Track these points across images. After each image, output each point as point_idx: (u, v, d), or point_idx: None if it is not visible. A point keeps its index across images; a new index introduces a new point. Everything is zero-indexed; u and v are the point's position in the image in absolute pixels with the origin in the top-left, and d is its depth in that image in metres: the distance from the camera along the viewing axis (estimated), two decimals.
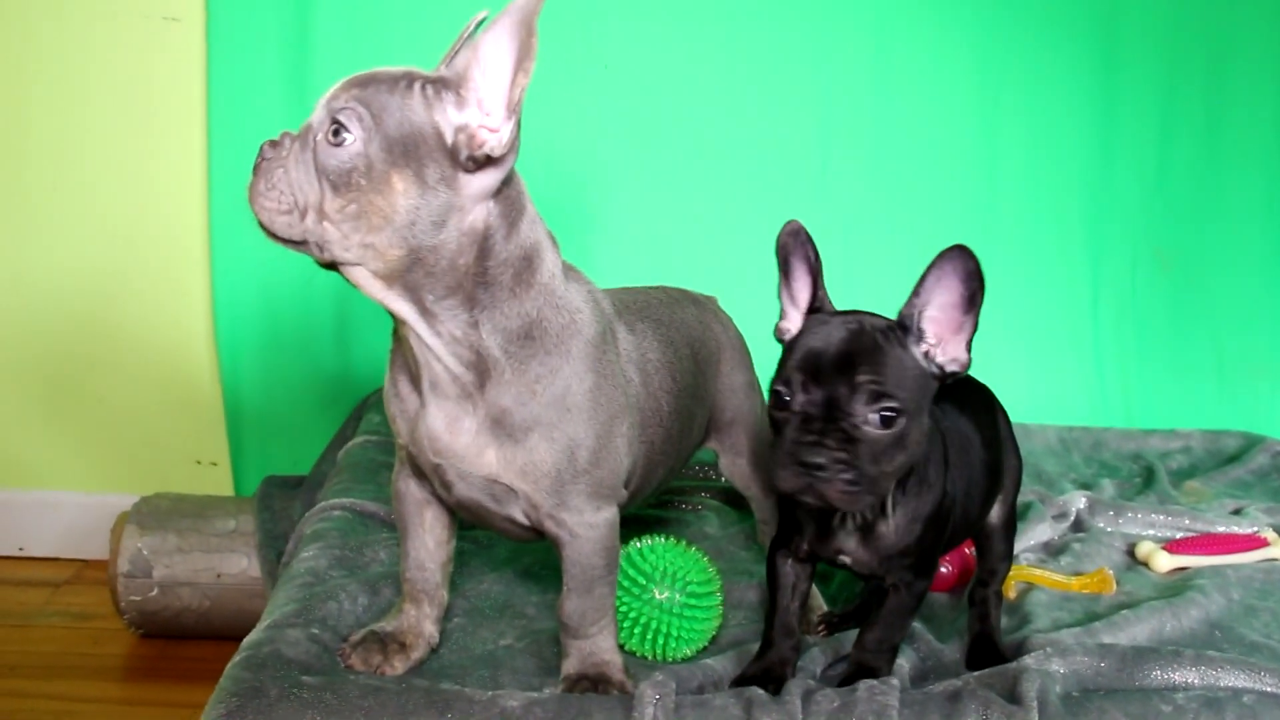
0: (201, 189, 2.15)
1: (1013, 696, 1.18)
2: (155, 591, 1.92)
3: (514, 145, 0.98)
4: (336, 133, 0.94)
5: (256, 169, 0.97)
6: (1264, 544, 1.72)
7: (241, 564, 1.93)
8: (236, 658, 1.19)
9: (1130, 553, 1.73)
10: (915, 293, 1.11)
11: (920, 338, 1.10)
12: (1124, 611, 1.46)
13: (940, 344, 1.11)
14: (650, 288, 1.47)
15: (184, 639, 1.98)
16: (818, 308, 1.15)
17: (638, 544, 1.35)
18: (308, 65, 2.10)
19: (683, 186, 2.22)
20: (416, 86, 0.97)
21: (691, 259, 2.18)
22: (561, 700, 1.12)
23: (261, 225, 0.96)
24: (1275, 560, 1.71)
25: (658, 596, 1.30)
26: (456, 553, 1.31)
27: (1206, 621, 1.47)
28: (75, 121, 2.15)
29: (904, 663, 1.29)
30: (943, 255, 1.09)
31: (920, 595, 1.24)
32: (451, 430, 1.12)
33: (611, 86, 2.17)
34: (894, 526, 1.18)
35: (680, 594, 1.30)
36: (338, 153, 0.93)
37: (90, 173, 2.16)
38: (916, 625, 1.43)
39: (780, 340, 1.17)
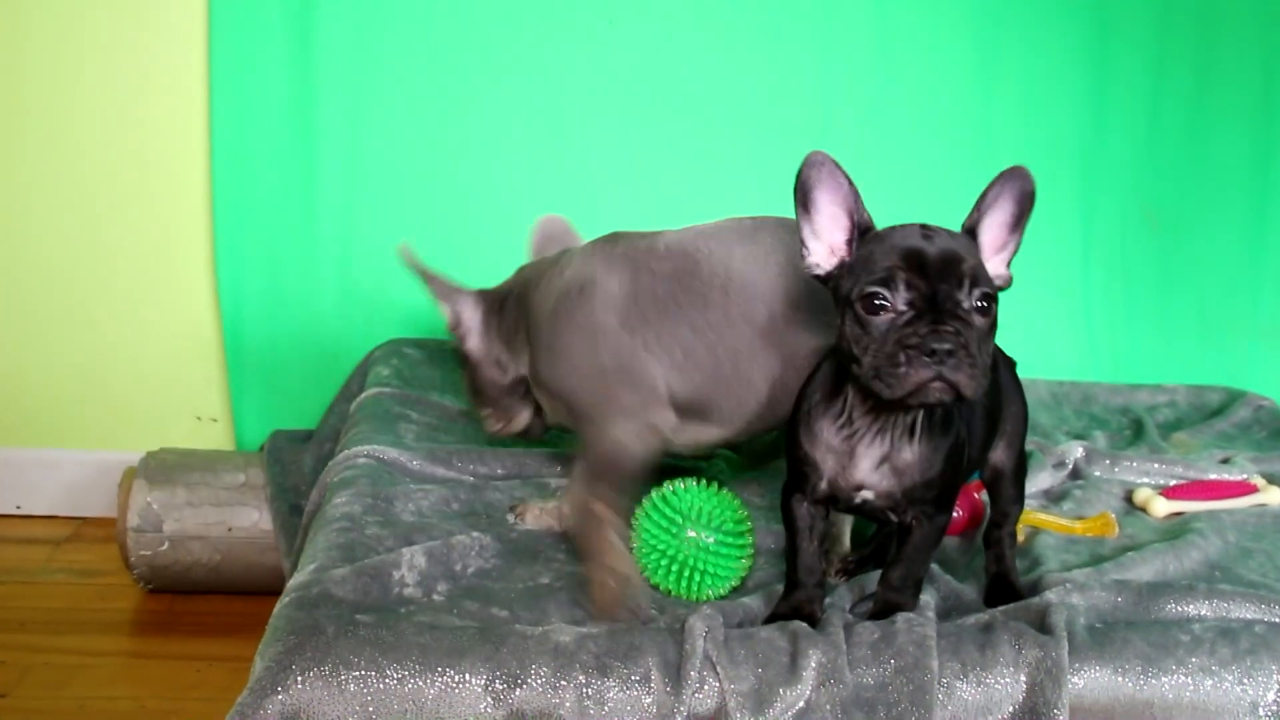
0: (203, 143, 2.14)
1: (1042, 628, 1.23)
2: (165, 546, 1.92)
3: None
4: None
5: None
6: (1254, 489, 1.79)
7: (252, 517, 1.93)
8: (285, 599, 1.21)
9: (1128, 499, 1.79)
10: (976, 207, 1.16)
11: (979, 248, 1.15)
12: (1129, 553, 1.52)
13: (986, 260, 1.15)
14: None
15: (193, 594, 1.98)
16: (867, 228, 1.18)
17: (670, 485, 1.38)
18: (310, 15, 2.09)
19: (681, 151, 2.24)
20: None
21: (691, 215, 2.19)
22: (612, 633, 1.16)
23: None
24: (1265, 505, 1.78)
25: (691, 535, 1.33)
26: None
27: (1206, 563, 1.53)
28: (73, 73, 2.12)
29: (930, 599, 1.33)
30: (1004, 174, 1.14)
31: (942, 529, 1.27)
32: None
33: (615, 43, 2.19)
34: (919, 455, 1.19)
35: (715, 533, 1.34)
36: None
37: (90, 126, 2.14)
38: (934, 567, 1.47)
39: (816, 276, 1.19)
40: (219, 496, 1.95)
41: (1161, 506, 1.73)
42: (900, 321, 1.08)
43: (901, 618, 1.22)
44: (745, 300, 1.41)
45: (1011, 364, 1.49)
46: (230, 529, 1.93)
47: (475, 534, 1.42)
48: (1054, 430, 2.07)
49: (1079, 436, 2.03)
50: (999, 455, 1.42)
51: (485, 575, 1.36)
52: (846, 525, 1.52)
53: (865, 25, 2.22)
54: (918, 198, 2.21)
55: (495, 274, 2.23)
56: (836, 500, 1.25)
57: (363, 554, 1.32)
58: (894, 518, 1.26)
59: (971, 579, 1.47)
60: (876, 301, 1.10)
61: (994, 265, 1.16)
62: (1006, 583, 1.42)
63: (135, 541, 1.92)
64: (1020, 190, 1.14)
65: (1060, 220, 2.28)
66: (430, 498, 1.52)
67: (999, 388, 1.41)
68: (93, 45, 2.12)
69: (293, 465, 1.97)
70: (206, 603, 1.97)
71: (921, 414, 1.18)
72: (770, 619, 1.28)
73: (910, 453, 1.20)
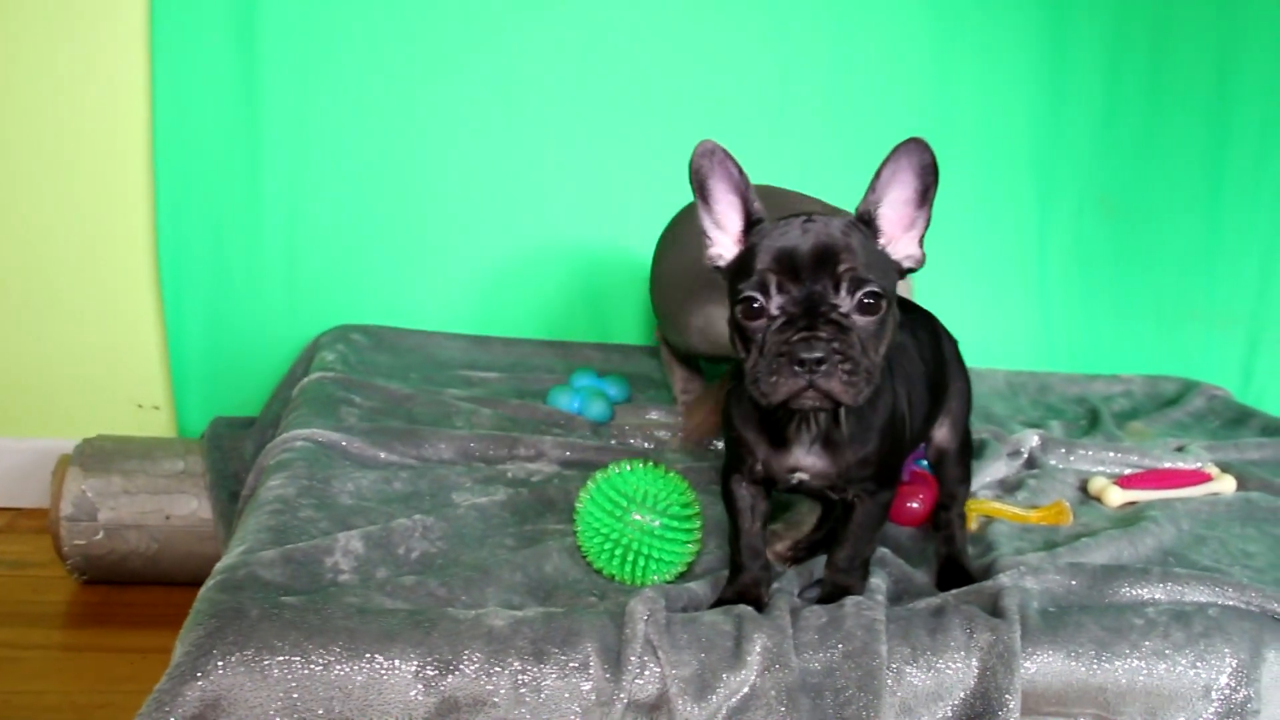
0: (144, 125, 2.07)
1: (994, 611, 1.20)
2: (100, 535, 1.86)
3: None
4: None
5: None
6: (1208, 479, 1.78)
7: (191, 505, 1.87)
8: (210, 581, 1.16)
9: (1083, 488, 1.78)
10: (871, 188, 1.10)
11: (877, 233, 1.10)
12: (1084, 539, 1.50)
13: (893, 241, 1.11)
14: None
15: (129, 584, 1.92)
16: (757, 220, 1.12)
17: (616, 468, 1.34)
18: None
19: (640, 120, 2.20)
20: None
21: (648, 190, 2.16)
22: (548, 618, 1.11)
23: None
24: (1219, 493, 1.76)
25: (637, 518, 1.29)
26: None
27: (1161, 550, 1.51)
28: (10, 54, 2.05)
29: (881, 583, 1.30)
30: (898, 149, 1.07)
31: (885, 505, 1.23)
32: None
33: (565, 23, 2.15)
34: (851, 432, 1.15)
35: (660, 516, 1.30)
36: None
37: (27, 108, 2.06)
38: (886, 551, 1.44)
39: (717, 267, 1.14)
40: (157, 484, 1.88)
41: (1116, 495, 1.71)
42: (774, 327, 1.04)
43: (850, 601, 1.18)
44: None
45: (953, 342, 1.47)
46: (168, 517, 1.87)
47: (418, 516, 1.37)
48: (1009, 420, 2.05)
49: (1035, 426, 2.01)
50: (943, 434, 1.40)
51: (430, 559, 1.31)
52: (811, 510, 1.49)
53: (823, 9, 2.20)
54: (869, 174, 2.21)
55: (442, 258, 2.19)
56: (775, 481, 1.22)
57: (295, 537, 1.27)
58: (834, 496, 1.23)
59: (924, 565, 1.44)
60: (753, 305, 1.05)
61: (904, 245, 1.11)
62: (958, 565, 1.40)
63: (69, 531, 1.85)
64: (919, 163, 1.08)
65: (1017, 205, 2.26)
66: (368, 478, 1.47)
67: (943, 361, 1.38)
68: (30, 26, 2.05)
69: (233, 452, 1.91)
70: (143, 593, 1.91)
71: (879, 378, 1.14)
72: (716, 604, 1.25)
73: (840, 432, 1.16)
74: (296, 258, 2.14)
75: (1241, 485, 1.76)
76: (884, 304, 1.04)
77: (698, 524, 1.34)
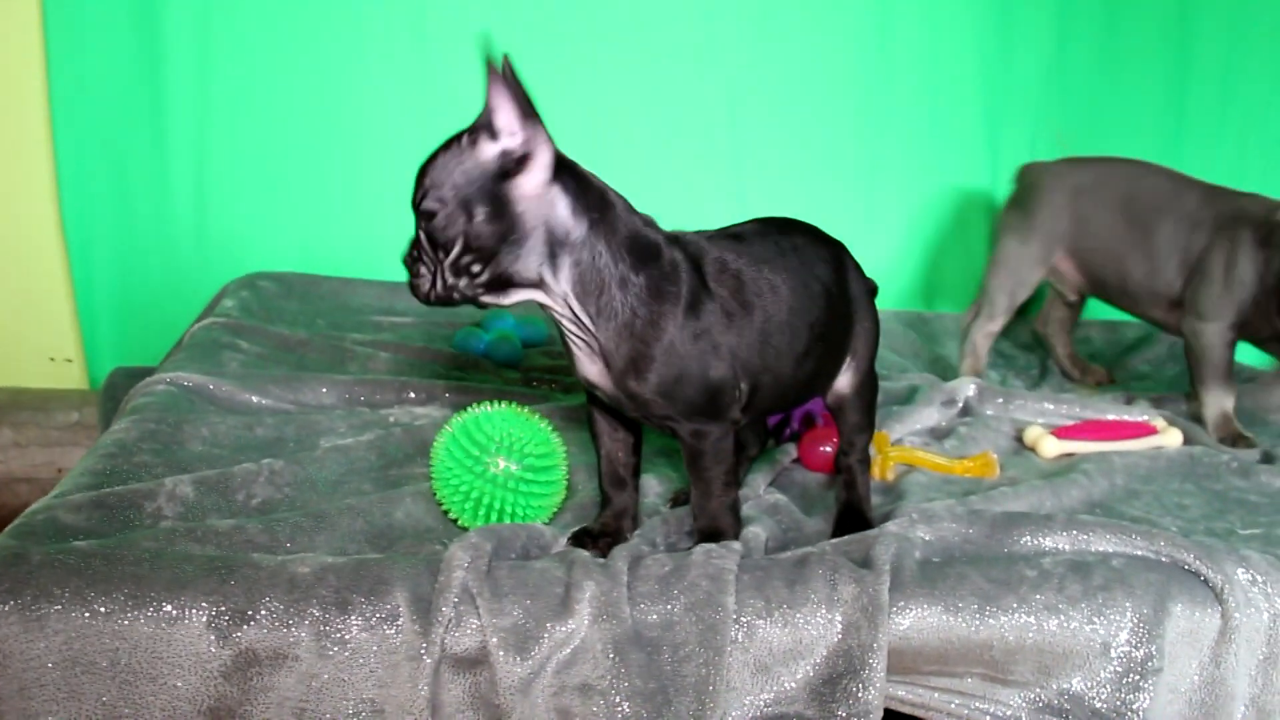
0: (40, 68, 1.97)
1: (865, 561, 1.09)
2: None
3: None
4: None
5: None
6: (1153, 431, 1.66)
7: None
8: (9, 527, 1.07)
9: (1018, 438, 1.66)
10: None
11: (497, 135, 1.07)
12: (1002, 489, 1.39)
13: (510, 133, 1.07)
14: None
15: None
16: None
17: (475, 410, 1.24)
18: None
19: (554, 52, 2.09)
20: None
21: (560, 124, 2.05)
22: (358, 565, 1.02)
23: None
24: (1163, 447, 1.64)
25: (492, 470, 1.19)
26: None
27: (1087, 502, 1.40)
28: None
29: (761, 531, 1.20)
30: (488, 64, 1.07)
31: (717, 443, 1.15)
32: None
33: None
34: (628, 353, 1.10)
35: (518, 465, 1.19)
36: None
37: None
38: (781, 498, 1.35)
39: None
40: (49, 436, 1.81)
41: (1051, 446, 1.59)
42: None
43: (700, 549, 1.08)
44: None
45: (871, 287, 1.35)
46: (60, 470, 1.80)
47: (266, 460, 1.28)
48: (955, 366, 1.94)
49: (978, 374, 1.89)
50: (842, 379, 1.29)
51: (272, 504, 1.22)
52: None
53: None
54: (813, 117, 2.08)
55: (357, 202, 2.09)
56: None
57: (119, 481, 1.18)
58: (654, 426, 1.17)
59: (825, 511, 1.34)
60: None
61: (515, 132, 1.07)
62: (857, 513, 1.30)
63: None
64: (493, 67, 1.07)
65: (963, 143, 2.12)
66: (228, 424, 1.37)
67: (849, 299, 1.27)
68: None
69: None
70: None
71: (578, 308, 1.10)
72: (574, 536, 1.17)
73: (615, 351, 1.10)
74: (206, 205, 2.05)
75: (1190, 440, 1.64)
76: (440, 213, 1.07)
77: (560, 473, 1.24)
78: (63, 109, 1.96)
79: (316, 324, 1.86)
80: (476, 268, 1.07)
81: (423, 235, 1.09)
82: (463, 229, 1.06)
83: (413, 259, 1.11)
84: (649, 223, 1.15)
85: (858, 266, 1.33)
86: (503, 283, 1.09)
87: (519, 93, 1.06)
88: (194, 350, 1.60)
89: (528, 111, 1.07)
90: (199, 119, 2.02)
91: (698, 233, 1.21)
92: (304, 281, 2.02)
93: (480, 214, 1.06)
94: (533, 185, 1.07)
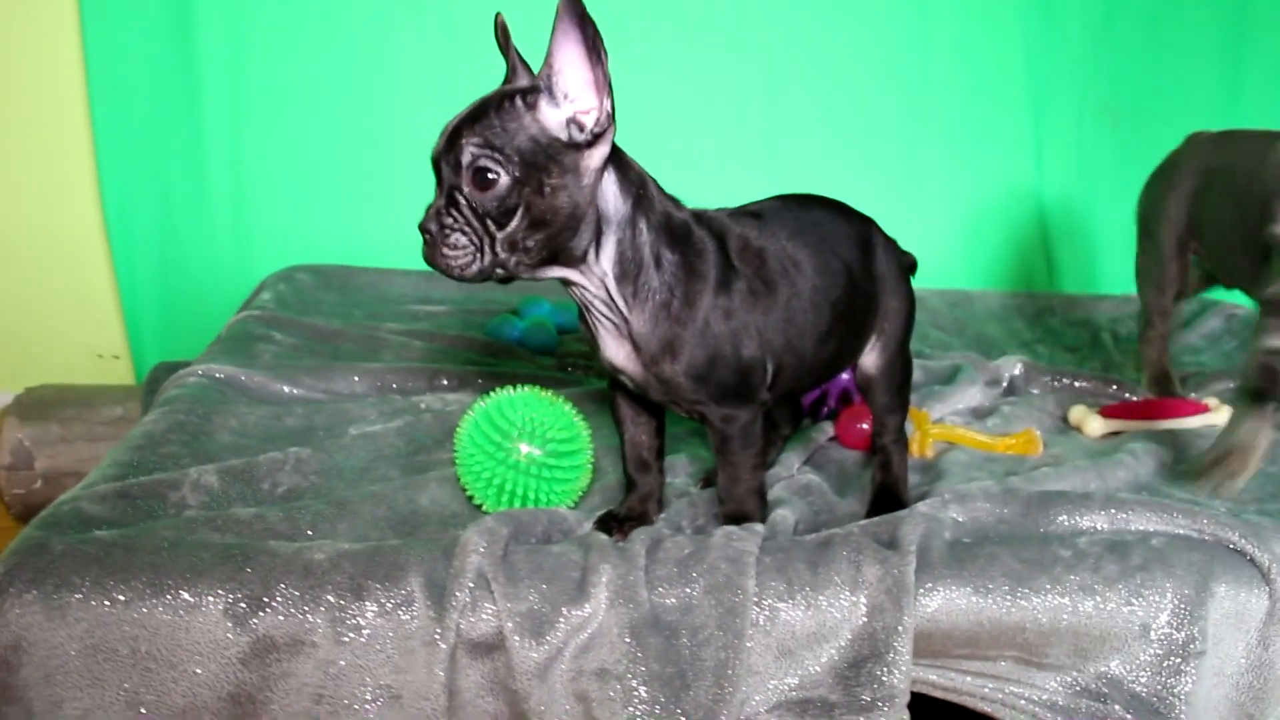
0: (79, 71, 2.00)
1: (891, 542, 1.06)
2: (39, 484, 1.82)
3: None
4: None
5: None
6: (1205, 409, 1.60)
7: None
8: (36, 518, 1.08)
9: (1064, 417, 1.61)
10: (545, 59, 1.01)
11: (559, 101, 1.00)
12: (1044, 469, 1.34)
13: (576, 99, 1.00)
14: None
15: None
16: None
17: (498, 395, 1.23)
18: None
19: (611, 45, 2.07)
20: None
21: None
22: (374, 551, 1.01)
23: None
24: (1215, 426, 1.58)
25: (514, 456, 1.17)
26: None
27: (1134, 484, 1.35)
28: None
29: (790, 514, 1.18)
30: (558, 12, 0.98)
31: (745, 428, 1.12)
32: None
33: None
34: (640, 331, 1.06)
35: (541, 450, 1.18)
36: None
37: None
38: (814, 478, 1.32)
39: None
40: (94, 431, 1.84)
41: (1097, 425, 1.54)
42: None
43: (721, 531, 1.06)
44: None
45: (908, 264, 1.32)
46: None
47: (292, 449, 1.28)
48: (1005, 344, 1.89)
49: (1030, 350, 1.84)
50: (871, 358, 1.26)
51: (298, 492, 1.22)
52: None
53: None
54: (852, 97, 2.03)
55: (393, 194, 2.09)
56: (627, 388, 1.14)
57: (146, 472, 1.18)
58: (681, 412, 1.13)
59: (861, 491, 1.31)
60: None
61: (585, 99, 1.00)
62: (892, 494, 1.27)
63: (8, 480, 1.82)
64: (575, 15, 0.98)
65: (1009, 116, 2.06)
66: (257, 414, 1.38)
67: (874, 278, 1.24)
68: None
69: None
70: None
71: (614, 289, 1.05)
72: (598, 522, 1.15)
73: (650, 333, 1.06)
74: (244, 201, 2.07)
75: None
76: (504, 180, 0.98)
77: (584, 457, 1.22)
78: (102, 111, 1.99)
79: (353, 315, 1.86)
80: (533, 242, 0.99)
81: (466, 201, 0.99)
82: (527, 199, 0.98)
83: (445, 228, 0.99)
84: (676, 201, 1.13)
85: (889, 243, 1.29)
86: (550, 259, 1.02)
87: (598, 58, 0.98)
88: (229, 343, 1.61)
89: (607, 80, 0.99)
90: (234, 116, 2.04)
91: (718, 210, 1.19)
92: (341, 273, 2.03)
93: (551, 185, 0.98)
94: (598, 161, 1.01)
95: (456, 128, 1.00)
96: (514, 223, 0.98)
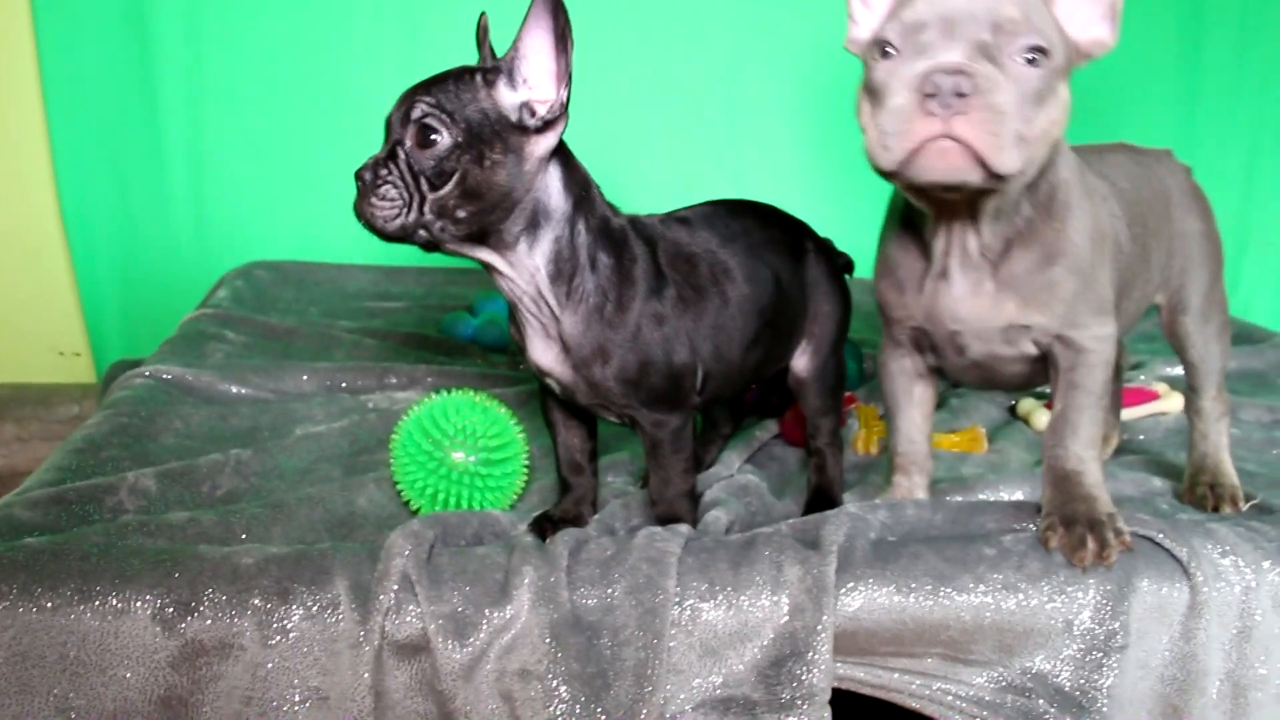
0: (32, 63, 1.99)
1: (814, 542, 1.08)
2: None
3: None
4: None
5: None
6: (1154, 397, 1.62)
7: None
8: None
9: (1011, 410, 1.63)
10: (514, 42, 1.03)
11: (516, 85, 1.03)
12: (989, 476, 1.35)
13: (535, 88, 1.03)
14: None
15: None
16: None
17: (432, 400, 1.24)
18: None
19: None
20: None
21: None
22: (300, 554, 1.02)
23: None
24: (1164, 414, 1.60)
25: (446, 466, 1.18)
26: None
27: None
28: None
29: (723, 515, 1.19)
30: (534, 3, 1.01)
31: (676, 433, 1.13)
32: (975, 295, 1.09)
33: None
34: (582, 336, 1.07)
35: (475, 458, 1.19)
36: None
37: None
38: (753, 479, 1.33)
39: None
40: (50, 430, 1.85)
41: (1045, 419, 1.56)
42: None
43: (644, 532, 1.07)
44: None
45: (843, 264, 1.33)
46: None
47: (235, 451, 1.29)
48: None
49: None
50: (802, 362, 1.27)
51: (237, 494, 1.24)
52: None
53: None
54: (812, 75, 2.03)
55: (348, 187, 2.08)
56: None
57: (82, 477, 1.19)
58: (611, 417, 1.14)
59: (798, 493, 1.32)
60: None
61: (544, 88, 1.02)
62: (826, 496, 1.28)
63: None
64: (550, 6, 1.00)
65: None
66: (202, 415, 1.39)
67: (804, 284, 1.25)
68: None
69: None
70: None
71: (546, 287, 1.06)
72: (533, 524, 1.16)
73: (580, 336, 1.07)
74: (204, 196, 2.08)
75: None
76: (447, 144, 1.00)
77: (518, 463, 1.23)
78: (57, 104, 1.99)
79: (309, 312, 1.87)
80: (463, 213, 1.01)
81: (405, 156, 1.00)
82: (465, 166, 0.99)
83: (378, 178, 1.00)
84: (613, 208, 1.14)
85: (822, 246, 1.30)
86: (477, 237, 1.03)
87: (564, 48, 1.00)
88: (179, 343, 1.62)
89: (567, 73, 1.01)
90: (193, 110, 2.04)
91: (650, 216, 1.20)
92: (299, 269, 2.03)
93: (491, 159, 1.00)
94: (544, 149, 1.03)
95: (413, 88, 1.03)
96: (447, 188, 1.00)
